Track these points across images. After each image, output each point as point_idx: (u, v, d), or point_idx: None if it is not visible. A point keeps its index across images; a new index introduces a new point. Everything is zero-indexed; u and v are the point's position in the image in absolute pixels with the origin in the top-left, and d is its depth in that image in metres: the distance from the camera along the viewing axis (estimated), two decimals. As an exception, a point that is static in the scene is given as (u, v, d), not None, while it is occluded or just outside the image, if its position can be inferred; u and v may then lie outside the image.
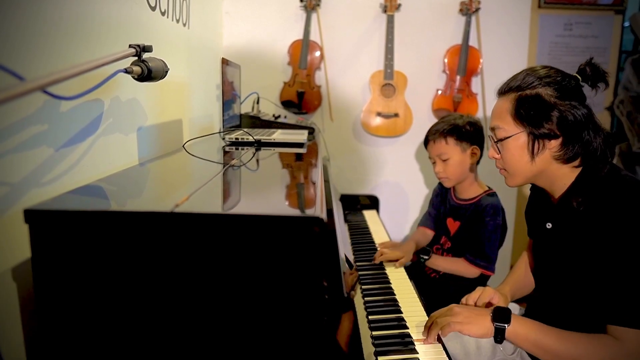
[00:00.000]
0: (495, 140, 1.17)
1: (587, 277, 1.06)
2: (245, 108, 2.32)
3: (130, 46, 1.01)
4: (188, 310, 0.70)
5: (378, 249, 1.78)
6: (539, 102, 1.09)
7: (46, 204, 0.71)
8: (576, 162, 1.11)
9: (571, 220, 1.10)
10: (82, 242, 0.68)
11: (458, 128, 1.70)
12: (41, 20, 0.90)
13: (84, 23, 1.06)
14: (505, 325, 1.06)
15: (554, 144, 1.10)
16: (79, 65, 0.71)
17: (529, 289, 1.39)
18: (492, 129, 1.18)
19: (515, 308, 1.51)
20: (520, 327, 1.06)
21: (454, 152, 1.71)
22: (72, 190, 0.86)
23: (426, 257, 1.72)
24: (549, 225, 1.18)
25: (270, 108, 2.59)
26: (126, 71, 0.99)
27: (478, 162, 1.77)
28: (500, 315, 1.07)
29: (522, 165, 1.14)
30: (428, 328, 1.14)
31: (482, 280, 1.71)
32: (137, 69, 1.01)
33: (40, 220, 0.67)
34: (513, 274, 1.44)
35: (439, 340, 1.13)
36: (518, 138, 1.12)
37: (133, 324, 0.70)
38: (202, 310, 0.70)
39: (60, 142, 0.98)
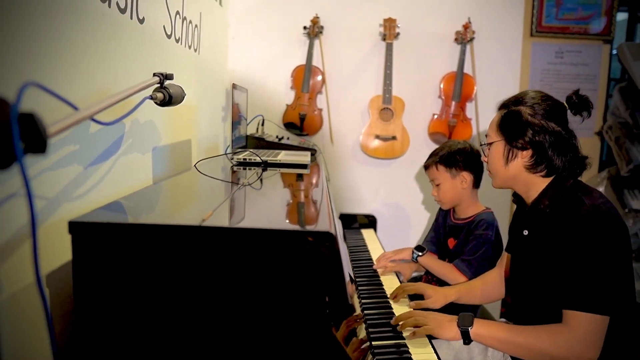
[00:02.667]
0: (482, 144, 1.39)
1: (553, 274, 1.19)
2: (250, 129, 2.42)
3: (154, 74, 1.11)
4: (214, 314, 0.78)
5: (375, 264, 1.87)
6: (517, 118, 1.27)
7: (87, 217, 0.80)
8: (542, 173, 1.28)
9: (541, 223, 1.26)
10: (119, 251, 0.76)
11: (447, 156, 1.82)
12: (83, 49, 1.00)
13: (114, 52, 1.17)
14: (469, 328, 1.22)
15: (525, 154, 1.28)
16: (118, 94, 0.81)
17: (480, 298, 1.59)
18: (486, 136, 1.38)
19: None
20: (482, 329, 1.22)
21: (444, 179, 1.83)
22: (104, 205, 0.95)
23: (420, 253, 1.81)
24: (525, 232, 1.33)
25: (272, 129, 2.70)
26: (151, 97, 1.08)
27: (478, 186, 1.86)
28: (464, 320, 1.24)
29: (498, 168, 1.33)
30: (405, 319, 1.29)
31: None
32: (159, 95, 1.11)
33: (82, 231, 0.76)
34: (468, 282, 1.63)
35: (432, 346, 1.24)
36: (497, 145, 1.32)
37: (161, 324, 0.78)
38: (228, 314, 0.78)
39: (88, 160, 1.07)
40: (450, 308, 1.78)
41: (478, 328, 1.22)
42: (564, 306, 1.15)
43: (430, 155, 1.90)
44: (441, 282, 1.81)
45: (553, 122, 1.24)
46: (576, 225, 1.15)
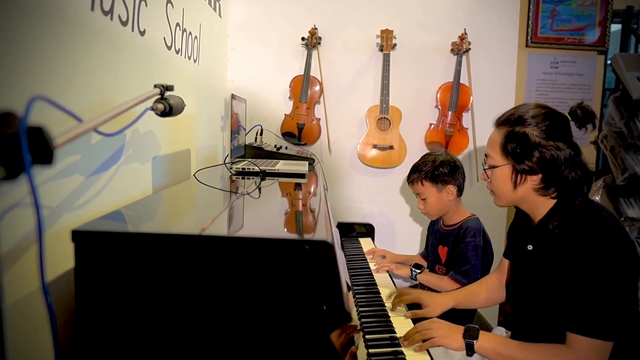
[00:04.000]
0: (486, 167, 1.31)
1: (558, 293, 1.18)
2: (249, 138, 2.44)
3: (155, 86, 1.13)
4: (212, 322, 0.80)
5: (371, 265, 1.92)
6: (524, 141, 1.20)
7: (89, 226, 0.81)
8: (553, 195, 1.23)
9: (549, 242, 1.23)
10: (120, 259, 0.78)
11: (432, 171, 1.84)
12: (86, 61, 1.02)
13: (116, 64, 1.19)
14: (474, 341, 1.21)
15: (535, 178, 1.22)
16: (121, 106, 0.83)
17: (479, 303, 1.60)
18: (486, 156, 1.31)
19: (501, 332, 1.61)
20: (486, 342, 1.22)
21: (431, 193, 1.86)
22: (106, 215, 0.96)
23: (418, 271, 1.85)
24: (529, 247, 1.31)
25: (271, 139, 2.72)
26: (152, 109, 1.11)
27: (460, 194, 1.90)
28: (470, 333, 1.23)
29: (505, 192, 1.28)
30: (412, 335, 1.28)
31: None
32: (160, 106, 1.13)
33: (85, 240, 0.77)
34: (466, 287, 1.63)
35: (430, 354, 1.24)
36: (503, 169, 1.25)
37: (161, 330, 0.80)
38: (226, 322, 0.80)
39: (90, 170, 1.09)
40: (448, 312, 1.81)
41: (483, 341, 1.21)
42: (568, 328, 1.13)
43: (414, 170, 1.91)
44: (435, 291, 1.83)
45: (561, 142, 1.19)
46: (586, 248, 1.12)
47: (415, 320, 1.45)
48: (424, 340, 1.25)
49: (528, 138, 1.20)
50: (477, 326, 1.25)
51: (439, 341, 1.24)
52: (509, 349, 1.20)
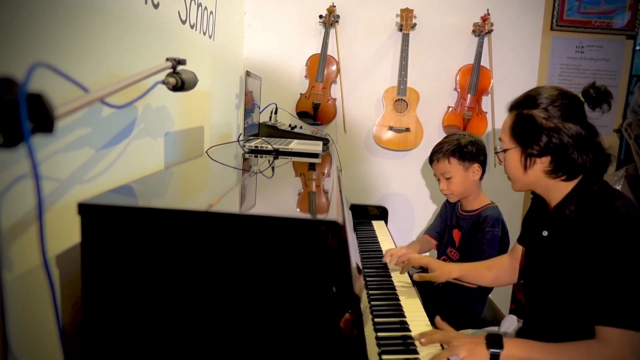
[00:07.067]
0: (498, 151, 1.30)
1: (578, 282, 1.14)
2: (263, 117, 2.41)
3: (167, 59, 1.11)
4: (217, 299, 0.78)
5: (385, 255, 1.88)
6: (530, 123, 1.18)
7: (96, 199, 0.80)
8: (564, 177, 1.20)
9: (565, 228, 1.19)
10: (127, 234, 0.77)
11: (460, 148, 1.80)
12: (97, 33, 1.00)
13: (129, 37, 1.17)
14: (499, 350, 1.11)
15: (544, 160, 1.19)
16: (129, 78, 0.81)
17: (482, 280, 1.59)
18: (500, 140, 1.30)
19: (513, 320, 1.59)
20: (513, 349, 1.12)
21: (457, 171, 1.82)
22: (114, 188, 0.95)
23: None
24: (545, 233, 1.27)
25: (285, 118, 2.69)
26: (163, 82, 1.09)
27: (482, 178, 1.86)
28: (493, 342, 1.13)
29: (517, 175, 1.26)
30: (430, 335, 1.20)
31: (482, 289, 1.78)
32: (172, 80, 1.11)
33: (91, 213, 0.76)
34: (473, 263, 1.62)
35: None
36: (512, 152, 1.24)
37: (168, 306, 0.79)
38: (233, 300, 0.78)
39: (100, 143, 1.07)
40: (460, 296, 1.79)
41: (509, 349, 1.12)
42: (597, 322, 1.08)
43: (438, 149, 1.87)
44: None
45: (571, 122, 1.15)
46: (606, 235, 1.07)
47: (424, 295, 1.45)
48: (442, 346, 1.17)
49: (534, 120, 1.17)
50: (498, 333, 1.18)
51: (465, 359, 1.12)
52: (538, 353, 1.12)
